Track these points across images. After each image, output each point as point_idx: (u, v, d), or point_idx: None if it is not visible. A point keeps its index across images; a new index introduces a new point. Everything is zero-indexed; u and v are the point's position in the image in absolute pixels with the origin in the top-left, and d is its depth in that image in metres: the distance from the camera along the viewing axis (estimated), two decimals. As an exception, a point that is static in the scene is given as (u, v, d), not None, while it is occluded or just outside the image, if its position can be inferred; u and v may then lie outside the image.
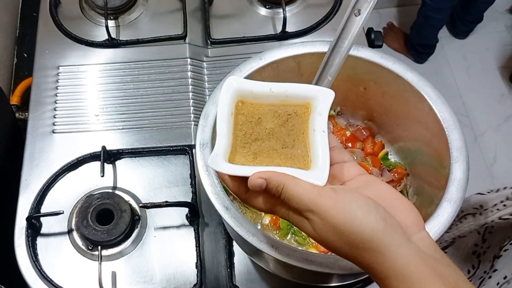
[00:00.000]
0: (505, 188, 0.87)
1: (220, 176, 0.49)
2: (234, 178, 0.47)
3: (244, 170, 0.46)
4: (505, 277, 0.82)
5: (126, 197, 0.82)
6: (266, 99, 0.51)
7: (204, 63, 0.97)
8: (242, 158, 0.48)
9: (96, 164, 0.85)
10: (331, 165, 0.46)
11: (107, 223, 0.77)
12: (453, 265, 0.42)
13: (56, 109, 0.91)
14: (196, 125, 0.81)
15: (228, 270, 0.78)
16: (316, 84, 0.56)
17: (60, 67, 0.95)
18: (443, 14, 2.01)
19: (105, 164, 0.84)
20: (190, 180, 0.84)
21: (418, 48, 2.17)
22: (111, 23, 1.00)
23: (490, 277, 0.85)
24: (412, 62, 2.21)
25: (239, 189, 0.47)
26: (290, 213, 0.45)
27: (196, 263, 0.77)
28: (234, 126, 0.50)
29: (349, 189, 0.45)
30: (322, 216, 0.42)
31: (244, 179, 0.47)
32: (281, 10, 0.97)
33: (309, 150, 0.48)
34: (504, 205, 0.85)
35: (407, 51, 2.21)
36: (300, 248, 0.66)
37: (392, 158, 0.82)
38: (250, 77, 0.72)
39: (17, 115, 0.95)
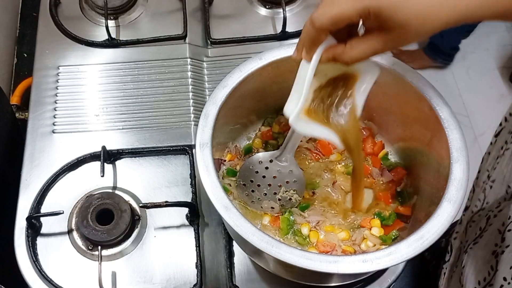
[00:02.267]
0: None
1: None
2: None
3: (318, 130, 0.63)
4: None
5: (126, 197, 0.82)
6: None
7: (204, 63, 0.97)
8: (318, 119, 0.63)
9: (96, 164, 0.85)
10: None
11: (107, 223, 0.77)
12: None
13: (56, 109, 0.91)
14: (196, 125, 0.80)
15: (228, 270, 0.78)
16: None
17: (60, 67, 0.95)
18: None
19: (105, 164, 0.84)
20: (190, 180, 0.84)
21: (451, 51, 2.17)
22: (111, 23, 1.00)
23: None
24: (437, 70, 2.20)
25: None
26: None
27: (196, 263, 0.78)
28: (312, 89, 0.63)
29: None
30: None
31: None
32: (281, 10, 0.97)
33: None
34: None
35: (431, 62, 2.19)
36: (300, 248, 0.66)
37: (392, 158, 0.82)
38: (250, 77, 0.72)
39: (17, 115, 0.96)
